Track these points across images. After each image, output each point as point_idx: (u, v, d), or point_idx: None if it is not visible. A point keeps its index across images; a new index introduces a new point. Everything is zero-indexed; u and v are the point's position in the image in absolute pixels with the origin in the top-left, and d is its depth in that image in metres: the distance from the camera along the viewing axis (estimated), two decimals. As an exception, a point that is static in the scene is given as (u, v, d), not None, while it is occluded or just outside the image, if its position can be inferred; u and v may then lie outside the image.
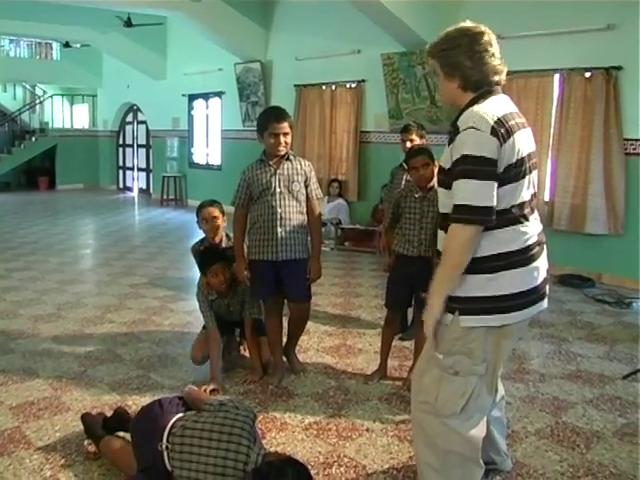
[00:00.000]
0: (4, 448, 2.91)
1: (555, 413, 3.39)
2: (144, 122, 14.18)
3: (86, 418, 2.94)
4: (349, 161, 9.13)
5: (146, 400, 3.31)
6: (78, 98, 16.24)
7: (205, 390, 3.33)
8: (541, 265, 2.20)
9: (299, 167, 3.57)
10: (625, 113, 6.12)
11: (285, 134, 3.46)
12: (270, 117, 3.49)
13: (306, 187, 3.60)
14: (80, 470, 2.74)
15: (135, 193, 14.79)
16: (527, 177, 2.15)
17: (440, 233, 2.30)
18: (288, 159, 3.55)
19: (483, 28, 2.17)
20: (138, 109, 14.32)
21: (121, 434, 2.90)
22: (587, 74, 6.29)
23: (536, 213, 2.26)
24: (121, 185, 15.62)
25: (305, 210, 3.63)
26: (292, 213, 3.54)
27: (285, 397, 3.53)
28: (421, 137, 4.66)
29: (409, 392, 3.53)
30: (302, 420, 3.25)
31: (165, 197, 12.78)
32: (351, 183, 9.08)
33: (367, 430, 3.15)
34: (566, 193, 6.58)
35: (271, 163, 3.53)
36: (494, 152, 2.01)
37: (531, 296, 2.16)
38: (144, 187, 14.62)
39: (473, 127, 2.02)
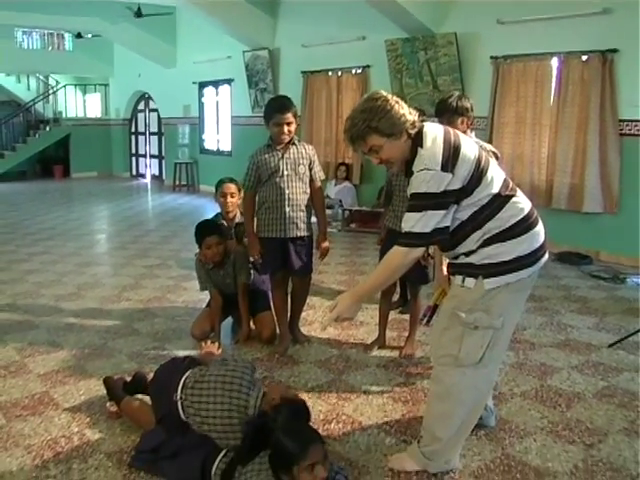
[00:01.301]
0: (35, 409, 3.21)
1: (541, 377, 3.64)
2: (156, 110, 14.46)
3: (108, 381, 3.23)
4: (355, 145, 9.33)
5: (161, 368, 3.62)
6: (90, 87, 16.53)
7: (212, 343, 3.36)
8: (541, 227, 2.48)
9: (304, 151, 3.84)
10: (620, 95, 6.30)
11: (288, 124, 3.71)
12: (274, 108, 3.73)
13: (310, 170, 3.86)
14: (104, 427, 3.03)
15: (148, 180, 15.10)
16: (490, 163, 2.43)
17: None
18: (293, 144, 3.82)
19: (381, 91, 2.47)
20: (149, 97, 14.61)
21: (139, 396, 3.19)
22: (584, 57, 6.47)
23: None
24: (134, 172, 15.95)
25: (309, 191, 3.89)
26: (298, 194, 3.82)
27: (290, 364, 3.81)
28: (422, 122, 4.87)
29: (405, 360, 3.86)
30: (305, 384, 3.53)
31: (177, 183, 13.08)
32: (356, 166, 9.31)
33: (364, 392, 3.42)
34: (564, 173, 6.77)
35: (278, 148, 3.80)
36: (444, 185, 2.29)
37: (538, 253, 2.45)
38: (157, 174, 14.93)
39: (426, 168, 2.30)
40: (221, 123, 12.58)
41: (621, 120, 6.32)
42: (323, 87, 9.73)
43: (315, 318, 4.66)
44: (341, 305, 2.49)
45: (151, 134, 14.97)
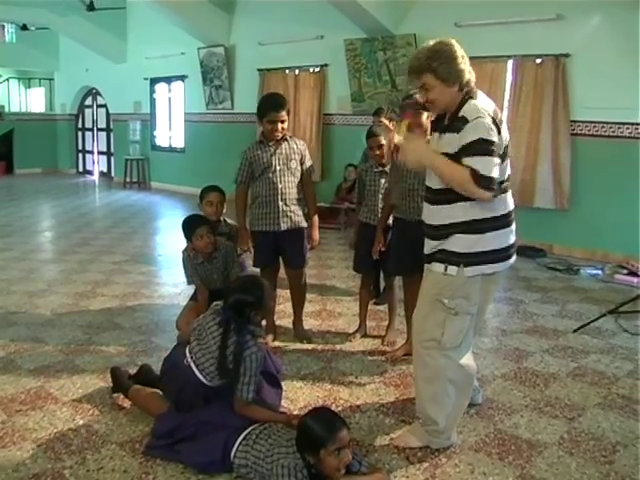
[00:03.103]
0: (35, 403, 3.22)
1: (517, 360, 3.90)
2: (104, 106, 14.19)
3: (115, 371, 3.30)
4: (312, 142, 9.47)
5: (154, 360, 3.68)
6: (34, 82, 16.06)
7: None
8: (514, 227, 2.73)
9: (295, 147, 3.96)
10: (572, 97, 6.69)
11: (282, 121, 3.83)
12: (269, 106, 3.84)
13: (301, 164, 3.99)
14: (109, 418, 3.08)
15: (96, 176, 14.83)
16: (509, 157, 2.66)
17: (427, 206, 2.75)
18: (285, 140, 3.93)
19: (453, 40, 2.61)
20: (97, 93, 14.32)
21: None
22: (538, 60, 6.84)
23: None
24: (81, 169, 15.59)
25: (300, 185, 4.03)
26: (291, 188, 3.94)
27: (279, 354, 3.92)
28: (390, 120, 5.07)
29: (388, 347, 4.04)
30: (298, 372, 3.67)
31: (128, 180, 12.91)
32: (315, 164, 9.42)
33: (356, 378, 3.59)
34: (516, 170, 7.09)
35: (270, 144, 3.91)
36: (495, 135, 2.49)
37: (511, 250, 2.70)
38: (105, 170, 14.66)
39: (480, 116, 2.47)
40: (174, 120, 12.48)
41: (573, 121, 6.70)
42: (280, 85, 9.81)
43: (290, 312, 4.75)
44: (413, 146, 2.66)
45: (99, 130, 14.67)
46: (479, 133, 2.46)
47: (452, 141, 2.55)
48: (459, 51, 2.56)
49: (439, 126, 2.69)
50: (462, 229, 2.60)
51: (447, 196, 2.59)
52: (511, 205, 2.70)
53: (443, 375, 2.72)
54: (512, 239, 2.70)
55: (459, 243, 2.61)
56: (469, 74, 2.57)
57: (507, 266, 2.72)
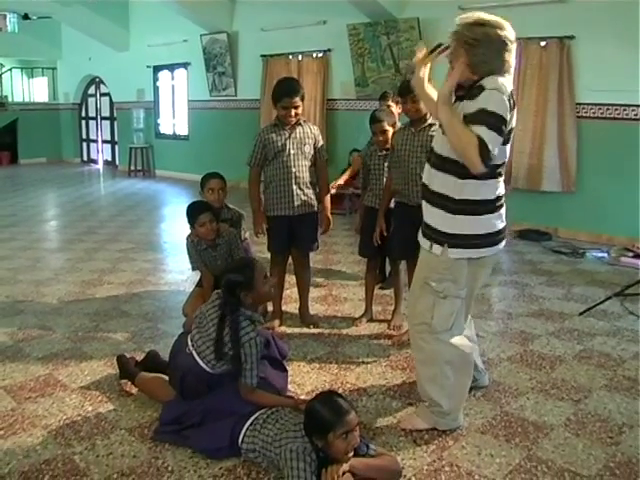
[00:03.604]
0: (44, 390, 3.25)
1: (523, 343, 3.90)
2: (107, 94, 14.17)
3: (121, 359, 3.32)
4: (317, 128, 9.46)
5: (161, 347, 3.71)
6: (37, 71, 16.02)
7: None
8: (504, 212, 2.71)
9: (309, 131, 3.97)
10: (577, 79, 6.63)
11: (296, 107, 3.83)
12: (283, 92, 3.83)
13: (315, 149, 3.99)
14: (117, 404, 3.10)
15: (100, 165, 14.83)
16: (509, 143, 2.61)
17: (432, 170, 2.68)
18: (299, 124, 3.93)
19: (507, 26, 2.49)
20: (101, 81, 14.29)
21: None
22: (542, 43, 6.78)
23: None
24: (85, 158, 15.59)
25: (313, 169, 4.03)
26: (304, 172, 3.95)
27: (286, 339, 3.93)
28: (397, 103, 5.05)
29: (394, 331, 4.06)
30: (305, 356, 3.69)
31: (132, 168, 12.91)
32: (320, 150, 9.43)
33: (363, 362, 3.60)
34: (523, 154, 7.08)
35: (285, 128, 3.91)
36: (507, 114, 2.44)
37: (500, 235, 2.69)
38: (109, 159, 14.67)
39: (497, 89, 2.41)
40: (177, 107, 12.46)
41: (578, 103, 6.66)
42: (283, 71, 9.75)
43: (296, 297, 4.76)
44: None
45: (103, 119, 14.66)
46: (493, 106, 2.39)
47: (466, 107, 2.49)
48: (504, 43, 2.45)
49: (457, 94, 2.62)
50: (459, 207, 2.57)
51: (446, 164, 2.56)
52: (501, 191, 2.67)
53: (439, 357, 2.73)
54: (500, 225, 2.67)
55: (448, 223, 2.60)
56: (507, 63, 2.48)
57: (496, 251, 2.71)
